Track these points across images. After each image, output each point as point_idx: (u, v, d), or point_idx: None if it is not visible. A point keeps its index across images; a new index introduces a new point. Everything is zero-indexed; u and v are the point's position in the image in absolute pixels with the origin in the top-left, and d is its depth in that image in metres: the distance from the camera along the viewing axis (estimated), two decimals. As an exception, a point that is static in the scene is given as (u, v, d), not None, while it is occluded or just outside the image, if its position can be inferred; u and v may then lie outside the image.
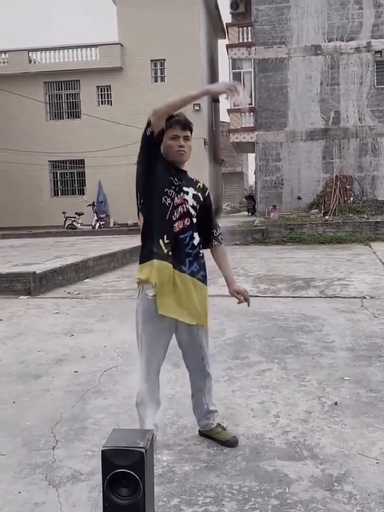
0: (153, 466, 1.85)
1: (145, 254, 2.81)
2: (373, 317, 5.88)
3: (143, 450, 1.71)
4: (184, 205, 2.82)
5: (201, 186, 2.99)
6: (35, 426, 3.32)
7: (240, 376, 4.07)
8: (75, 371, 4.30)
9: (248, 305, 3.17)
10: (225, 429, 3.05)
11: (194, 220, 2.87)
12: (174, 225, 2.78)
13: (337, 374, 4.05)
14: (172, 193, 2.80)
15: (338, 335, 5.17)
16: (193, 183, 2.96)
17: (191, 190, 2.89)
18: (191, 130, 2.92)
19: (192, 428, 3.17)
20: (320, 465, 2.73)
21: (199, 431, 3.09)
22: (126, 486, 1.74)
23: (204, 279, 2.92)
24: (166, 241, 2.75)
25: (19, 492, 2.57)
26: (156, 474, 2.46)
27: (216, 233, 3.05)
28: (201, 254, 2.91)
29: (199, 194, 2.93)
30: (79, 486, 2.60)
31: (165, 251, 2.74)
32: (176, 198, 2.80)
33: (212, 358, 3.09)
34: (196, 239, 2.87)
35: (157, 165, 2.80)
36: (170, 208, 2.79)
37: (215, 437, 3.00)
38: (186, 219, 2.82)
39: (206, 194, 3.00)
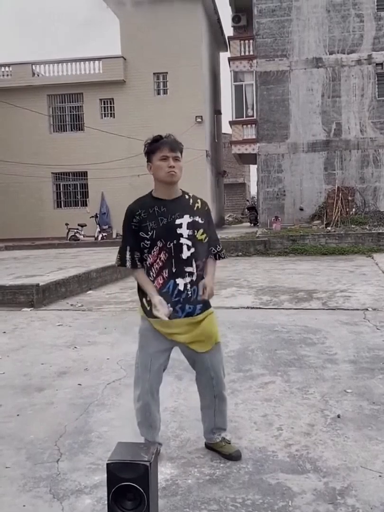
0: (158, 479, 1.86)
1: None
2: (375, 329, 5.89)
3: (148, 464, 1.73)
4: (161, 256, 2.81)
5: (199, 205, 2.94)
6: (39, 439, 3.34)
7: (243, 388, 4.08)
8: (79, 384, 4.32)
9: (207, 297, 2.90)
10: (229, 443, 3.07)
11: (186, 256, 2.84)
12: (155, 283, 2.85)
13: (340, 386, 4.06)
14: (148, 247, 2.84)
15: (340, 347, 5.18)
16: (188, 205, 2.91)
17: (185, 219, 2.84)
18: (180, 151, 2.90)
19: (196, 441, 3.19)
20: (323, 478, 2.74)
21: (205, 443, 3.11)
22: (131, 499, 1.76)
23: (201, 309, 2.92)
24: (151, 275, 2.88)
25: (24, 505, 2.58)
26: (160, 487, 2.48)
27: (213, 251, 3.06)
28: (190, 294, 2.86)
29: (198, 218, 2.88)
30: (83, 499, 2.62)
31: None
32: (152, 250, 2.83)
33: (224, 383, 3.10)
34: (181, 285, 2.82)
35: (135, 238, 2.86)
36: (147, 267, 2.89)
37: (219, 450, 3.02)
38: (165, 270, 2.84)
39: (206, 209, 2.98)
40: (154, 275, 2.83)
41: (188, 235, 2.82)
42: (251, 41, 22.29)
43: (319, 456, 2.96)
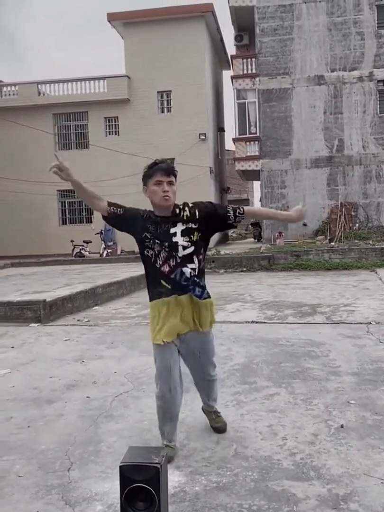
0: (168, 481, 1.96)
1: (154, 292, 3.22)
2: (379, 342, 5.97)
3: (159, 466, 1.83)
4: (164, 250, 3.11)
5: (188, 214, 3.19)
6: (50, 449, 3.43)
7: (248, 400, 4.17)
8: (87, 397, 4.41)
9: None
10: (219, 416, 3.57)
11: (183, 254, 3.12)
12: (162, 269, 3.12)
13: (343, 398, 4.14)
14: (151, 243, 3.14)
15: (344, 360, 5.26)
16: (179, 217, 3.17)
17: (178, 228, 3.14)
18: (175, 176, 3.16)
19: (202, 450, 3.27)
20: (326, 485, 2.82)
21: (201, 407, 3.64)
22: (142, 500, 1.85)
23: (201, 295, 3.21)
24: (163, 282, 3.14)
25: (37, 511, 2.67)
26: (168, 494, 2.56)
27: (230, 220, 3.23)
28: (198, 280, 3.18)
29: (191, 224, 3.16)
30: (95, 505, 2.70)
31: (168, 287, 3.14)
32: (156, 247, 3.13)
33: (213, 365, 3.45)
34: (188, 271, 3.13)
35: (130, 227, 3.22)
36: (153, 257, 3.15)
37: (209, 420, 3.58)
38: (171, 260, 3.12)
39: (196, 213, 3.20)
40: (161, 262, 3.13)
41: (183, 240, 3.13)
42: (253, 59, 22.64)
43: (323, 464, 3.04)
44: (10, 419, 4.01)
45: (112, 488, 2.83)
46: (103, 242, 21.93)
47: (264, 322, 7.47)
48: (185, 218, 3.17)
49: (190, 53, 22.42)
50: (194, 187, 22.22)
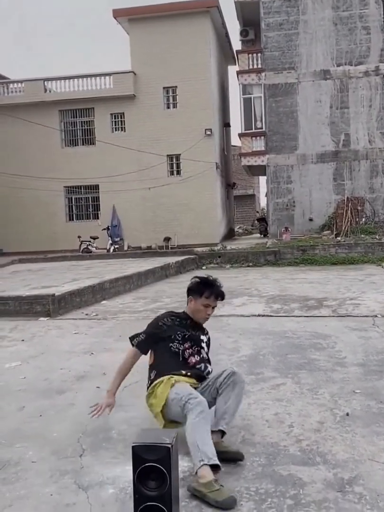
0: (178, 461, 2.04)
1: (162, 374, 3.36)
2: (384, 334, 6.03)
3: (170, 446, 1.91)
4: (192, 348, 3.51)
5: (207, 331, 3.74)
6: (62, 437, 3.52)
7: (255, 390, 4.24)
8: (97, 387, 4.49)
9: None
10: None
11: (205, 357, 3.59)
12: (189, 361, 3.46)
13: (349, 387, 4.21)
14: (182, 342, 3.48)
15: (350, 351, 5.33)
16: (204, 331, 3.71)
17: (204, 338, 3.66)
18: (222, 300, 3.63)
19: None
20: (332, 469, 2.89)
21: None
22: (154, 479, 1.93)
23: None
24: (182, 370, 3.38)
25: (51, 495, 2.76)
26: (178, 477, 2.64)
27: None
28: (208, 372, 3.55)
29: (206, 339, 3.70)
30: (107, 489, 2.79)
31: (184, 373, 3.37)
32: (185, 344, 3.48)
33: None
34: (209, 367, 3.56)
35: (159, 341, 3.50)
36: (180, 352, 3.45)
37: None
38: (197, 355, 3.51)
39: (209, 337, 3.75)
40: (187, 356, 3.47)
41: (205, 348, 3.63)
42: (259, 54, 22.62)
43: (329, 450, 3.11)
44: (22, 409, 4.10)
45: (123, 472, 2.92)
46: (110, 238, 22.03)
47: (271, 315, 7.54)
48: (205, 332, 3.71)
49: (195, 49, 22.42)
50: (200, 182, 22.29)
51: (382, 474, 2.82)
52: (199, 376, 3.42)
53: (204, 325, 3.71)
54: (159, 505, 1.93)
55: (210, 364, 3.61)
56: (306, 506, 2.54)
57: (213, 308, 3.56)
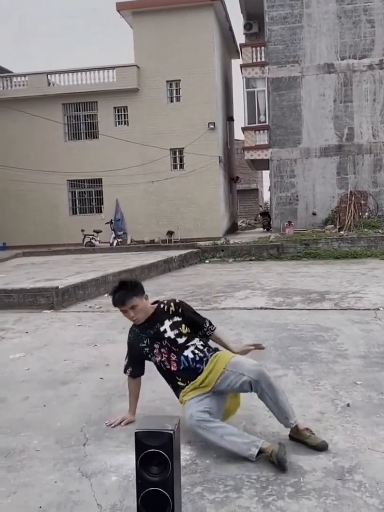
0: (180, 447, 2.07)
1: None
2: (386, 327, 6.05)
3: (172, 432, 1.95)
4: (164, 347, 3.35)
5: (173, 309, 3.47)
6: (66, 426, 3.56)
7: (257, 381, 4.27)
8: (101, 378, 4.54)
9: (263, 348, 3.67)
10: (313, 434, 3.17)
11: (180, 343, 3.35)
12: (172, 369, 3.33)
13: (350, 379, 4.24)
14: (152, 349, 3.41)
15: (351, 344, 5.36)
16: (166, 314, 3.46)
17: (166, 324, 3.41)
18: (135, 296, 3.39)
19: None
20: (332, 458, 2.93)
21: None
22: (156, 465, 1.97)
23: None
24: (179, 383, 3.31)
25: (55, 482, 2.80)
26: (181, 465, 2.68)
27: (205, 327, 3.53)
28: (203, 355, 3.33)
29: (176, 318, 3.44)
30: (110, 476, 2.83)
31: (184, 385, 3.28)
32: (156, 350, 3.39)
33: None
34: (190, 352, 3.32)
35: (141, 350, 3.49)
36: (160, 363, 3.39)
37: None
38: (171, 354, 3.33)
39: (180, 309, 3.47)
40: (168, 363, 3.35)
41: (174, 334, 3.37)
42: (262, 48, 22.54)
43: (329, 440, 3.15)
44: (26, 399, 4.15)
45: (126, 461, 2.96)
46: (113, 231, 22.07)
47: (273, 308, 7.57)
48: (171, 313, 3.45)
49: (199, 42, 22.36)
50: (203, 176, 22.28)
51: (382, 463, 2.85)
52: (192, 372, 3.27)
53: (167, 300, 3.55)
54: (161, 490, 1.97)
55: (194, 338, 3.41)
56: (306, 494, 2.58)
57: (131, 309, 3.39)
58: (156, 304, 3.53)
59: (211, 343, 3.53)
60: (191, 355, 3.30)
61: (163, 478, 1.96)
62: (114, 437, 3.33)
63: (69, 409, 3.90)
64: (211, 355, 3.32)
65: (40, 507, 2.57)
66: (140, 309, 3.41)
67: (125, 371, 3.64)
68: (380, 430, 3.25)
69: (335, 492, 2.58)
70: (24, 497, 2.67)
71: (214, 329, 3.55)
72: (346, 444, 3.09)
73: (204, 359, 3.30)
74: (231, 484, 2.70)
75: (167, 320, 3.42)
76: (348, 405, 3.68)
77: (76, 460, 3.05)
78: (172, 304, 3.49)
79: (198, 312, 3.63)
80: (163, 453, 1.95)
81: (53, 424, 3.63)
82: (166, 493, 1.97)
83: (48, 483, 2.80)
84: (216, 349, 3.43)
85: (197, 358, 3.30)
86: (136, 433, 1.99)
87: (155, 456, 1.97)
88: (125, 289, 3.40)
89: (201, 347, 3.37)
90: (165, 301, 3.53)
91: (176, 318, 3.44)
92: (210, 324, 3.55)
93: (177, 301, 3.54)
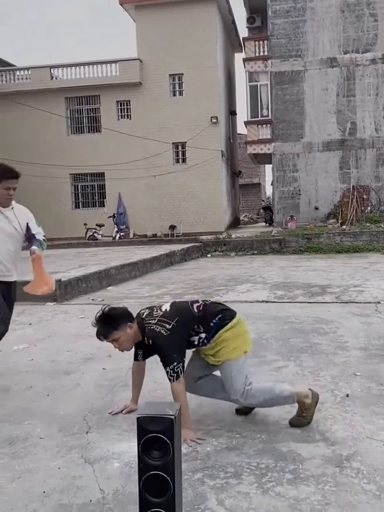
0: (181, 432, 2.12)
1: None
2: (386, 320, 6.09)
3: (173, 417, 1.99)
4: None
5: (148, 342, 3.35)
6: (69, 415, 3.62)
7: (258, 372, 4.31)
8: (103, 368, 4.60)
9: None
10: None
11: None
12: None
13: (350, 370, 4.29)
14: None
15: (352, 336, 5.40)
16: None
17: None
18: (114, 330, 3.29)
19: (213, 415, 3.45)
20: (331, 446, 2.98)
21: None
22: (157, 449, 2.01)
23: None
24: None
25: (59, 468, 2.86)
26: (181, 452, 2.73)
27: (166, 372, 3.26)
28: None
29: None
30: (112, 463, 2.88)
31: None
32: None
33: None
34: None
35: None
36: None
37: None
38: None
39: (150, 341, 3.29)
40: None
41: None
42: (265, 41, 22.51)
43: (328, 429, 3.20)
44: (30, 389, 4.21)
45: (128, 448, 3.02)
46: (115, 225, 22.13)
47: (274, 302, 7.62)
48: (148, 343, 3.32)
49: (202, 36, 22.32)
50: (206, 171, 22.29)
51: (380, 450, 2.90)
52: None
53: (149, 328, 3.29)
54: (163, 474, 2.01)
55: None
56: (304, 480, 2.63)
57: (114, 341, 3.32)
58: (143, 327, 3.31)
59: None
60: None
61: (164, 462, 2.00)
62: (117, 425, 3.38)
63: (72, 398, 3.96)
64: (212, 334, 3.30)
65: (44, 492, 2.62)
66: (124, 340, 3.30)
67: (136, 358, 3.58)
68: (378, 420, 3.30)
69: (333, 479, 2.63)
70: (28, 482, 2.73)
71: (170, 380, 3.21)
72: (345, 433, 3.13)
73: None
74: (231, 470, 2.75)
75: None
76: (347, 395, 3.73)
77: (79, 447, 3.10)
78: (147, 337, 3.29)
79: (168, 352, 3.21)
80: (164, 438, 1.99)
81: (57, 412, 3.68)
82: (167, 477, 2.01)
83: (52, 469, 2.85)
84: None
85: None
86: (138, 418, 2.03)
87: (157, 440, 2.01)
88: (105, 322, 3.26)
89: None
90: (147, 330, 3.27)
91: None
92: (168, 375, 3.19)
93: (150, 334, 3.25)
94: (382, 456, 2.83)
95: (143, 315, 3.39)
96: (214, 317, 3.30)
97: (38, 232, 4.31)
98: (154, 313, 3.35)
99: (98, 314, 3.30)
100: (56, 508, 2.48)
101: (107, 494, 2.57)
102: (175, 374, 3.13)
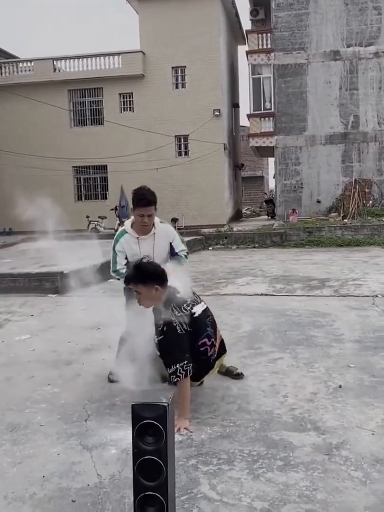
0: (174, 419, 2.22)
1: None
2: (383, 313, 6.18)
3: (166, 405, 2.09)
4: None
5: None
6: (69, 403, 3.73)
7: (253, 363, 4.43)
8: (103, 359, 4.70)
9: None
10: None
11: None
12: None
13: (344, 362, 4.39)
14: None
15: (347, 329, 5.50)
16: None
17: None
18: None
19: (208, 405, 3.55)
20: (321, 435, 3.08)
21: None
22: (151, 435, 2.11)
23: None
24: None
25: (58, 454, 2.97)
26: (176, 441, 2.83)
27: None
28: None
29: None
30: (109, 450, 3.00)
31: None
32: None
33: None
34: None
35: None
36: None
37: None
38: None
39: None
40: None
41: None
42: (269, 34, 22.45)
43: (320, 418, 3.30)
44: (31, 378, 4.32)
45: (125, 435, 3.12)
46: (118, 218, 22.17)
47: (273, 295, 7.71)
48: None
49: (205, 28, 22.28)
50: (208, 163, 22.32)
51: (369, 440, 3.00)
52: None
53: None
54: (156, 458, 2.11)
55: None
56: (294, 467, 2.73)
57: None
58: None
59: None
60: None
61: (157, 447, 2.10)
62: (115, 414, 3.49)
63: (72, 387, 4.06)
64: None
65: (43, 476, 2.73)
66: (145, 297, 3.34)
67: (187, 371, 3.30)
68: (369, 410, 3.40)
69: (322, 466, 2.73)
70: (28, 467, 2.84)
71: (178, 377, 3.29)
72: (336, 423, 3.23)
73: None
74: (224, 457, 2.85)
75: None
76: (340, 386, 3.82)
77: (78, 435, 3.21)
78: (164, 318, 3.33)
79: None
80: (158, 424, 2.09)
81: (57, 401, 3.79)
82: (160, 461, 2.11)
83: (51, 455, 2.96)
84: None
85: None
86: (132, 405, 2.13)
87: (150, 426, 2.11)
88: (136, 272, 3.35)
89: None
90: (169, 313, 3.31)
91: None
92: (177, 372, 3.26)
93: (168, 321, 3.31)
94: (370, 444, 2.93)
95: (177, 298, 3.37)
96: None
97: (181, 250, 4.42)
98: (185, 306, 3.39)
99: (137, 262, 3.41)
100: (54, 492, 2.59)
101: (104, 479, 2.68)
102: (184, 372, 3.24)
